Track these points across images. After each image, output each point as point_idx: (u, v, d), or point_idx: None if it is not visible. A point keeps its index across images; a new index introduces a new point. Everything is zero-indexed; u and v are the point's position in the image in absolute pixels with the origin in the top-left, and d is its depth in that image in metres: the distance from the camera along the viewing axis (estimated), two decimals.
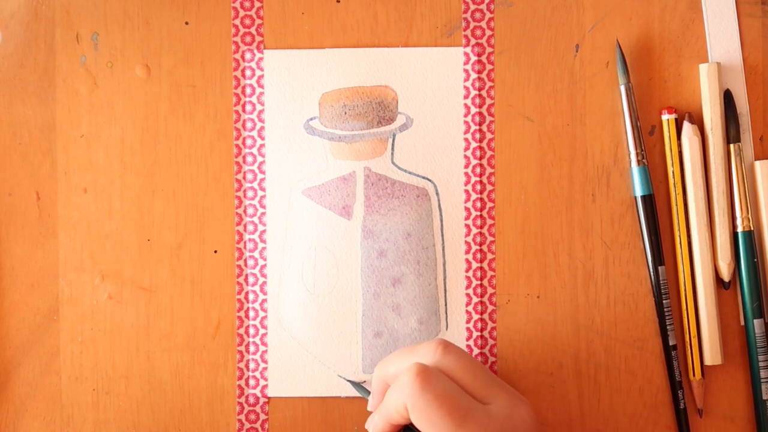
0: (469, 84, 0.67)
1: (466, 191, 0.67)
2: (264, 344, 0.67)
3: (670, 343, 0.65)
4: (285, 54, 0.67)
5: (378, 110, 0.67)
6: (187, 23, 0.67)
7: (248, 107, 0.67)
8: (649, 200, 0.65)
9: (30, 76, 0.67)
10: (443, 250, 0.66)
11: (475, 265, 0.66)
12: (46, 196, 0.67)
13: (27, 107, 0.67)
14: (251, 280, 0.67)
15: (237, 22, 0.67)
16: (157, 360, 0.67)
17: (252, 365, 0.67)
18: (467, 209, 0.67)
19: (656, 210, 0.66)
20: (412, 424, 0.57)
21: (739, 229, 0.65)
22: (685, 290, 0.65)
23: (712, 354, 0.65)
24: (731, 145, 0.66)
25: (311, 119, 0.67)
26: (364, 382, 0.66)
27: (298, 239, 0.67)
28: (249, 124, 0.67)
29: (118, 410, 0.67)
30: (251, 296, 0.67)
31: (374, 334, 0.66)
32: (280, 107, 0.67)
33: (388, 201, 0.67)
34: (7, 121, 0.67)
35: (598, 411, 0.66)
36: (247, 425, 0.66)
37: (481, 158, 0.67)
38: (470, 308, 0.66)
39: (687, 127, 0.65)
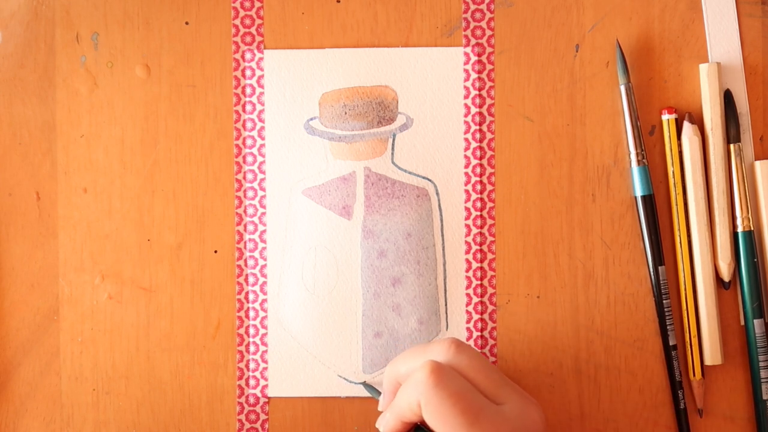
0: (469, 84, 0.67)
1: (466, 191, 0.67)
2: (264, 344, 0.67)
3: (670, 343, 0.65)
4: (285, 54, 0.67)
5: (378, 110, 0.67)
6: (187, 23, 0.67)
7: (248, 107, 0.67)
8: (649, 200, 0.65)
9: (30, 76, 0.67)
10: (443, 250, 0.66)
11: (475, 265, 0.66)
12: (46, 196, 0.67)
13: (27, 107, 0.67)
14: (251, 280, 0.67)
15: (237, 22, 0.67)
16: (157, 360, 0.67)
17: (252, 365, 0.67)
18: (467, 209, 0.67)
19: (656, 210, 0.66)
20: (423, 423, 0.57)
21: (739, 229, 0.65)
22: (685, 290, 0.65)
23: (712, 354, 0.65)
24: (731, 145, 0.66)
25: (311, 119, 0.67)
26: (364, 382, 0.66)
27: (298, 239, 0.67)
28: (249, 124, 0.67)
29: (118, 410, 0.67)
30: (251, 296, 0.67)
31: (374, 334, 0.66)
32: (280, 107, 0.67)
33: (388, 201, 0.67)
34: (7, 121, 0.67)
35: (598, 411, 0.66)
36: (247, 425, 0.66)
37: (481, 158, 0.67)
38: (470, 308, 0.66)
39: (687, 127, 0.65)
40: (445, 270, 0.66)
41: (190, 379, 0.67)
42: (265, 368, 0.67)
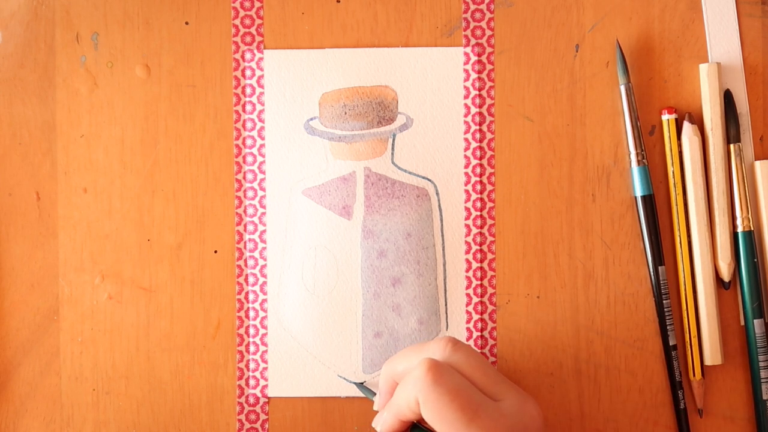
0: (469, 84, 0.67)
1: (466, 191, 0.67)
2: (264, 344, 0.67)
3: (670, 343, 0.65)
4: (285, 54, 0.67)
5: (378, 110, 0.67)
6: (187, 23, 0.67)
7: (248, 107, 0.67)
8: (649, 200, 0.65)
9: (30, 76, 0.67)
10: (443, 250, 0.66)
11: (475, 265, 0.66)
12: (46, 196, 0.67)
13: (27, 107, 0.67)
14: (251, 280, 0.67)
15: (237, 22, 0.67)
16: (157, 360, 0.67)
17: (252, 365, 0.67)
18: (467, 209, 0.67)
19: (656, 210, 0.66)
20: (421, 421, 0.57)
21: (739, 229, 0.65)
22: (685, 290, 0.65)
23: (712, 354, 0.65)
24: (731, 145, 0.66)
25: (311, 119, 0.67)
26: (364, 382, 0.66)
27: (298, 239, 0.67)
28: (249, 124, 0.67)
29: (118, 410, 0.67)
30: (251, 296, 0.67)
31: (374, 334, 0.66)
32: (280, 107, 0.67)
33: (388, 201, 0.67)
34: (7, 121, 0.67)
35: (598, 411, 0.66)
36: (247, 425, 0.66)
37: (481, 158, 0.67)
38: (470, 308, 0.66)
39: (687, 127, 0.65)
40: (445, 270, 0.66)
41: (190, 379, 0.67)
42: (265, 368, 0.67)
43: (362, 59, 0.67)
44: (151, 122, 0.67)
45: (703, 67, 0.66)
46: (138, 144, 0.67)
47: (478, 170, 0.67)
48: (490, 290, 0.66)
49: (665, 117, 0.66)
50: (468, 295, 0.66)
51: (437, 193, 0.67)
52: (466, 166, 0.67)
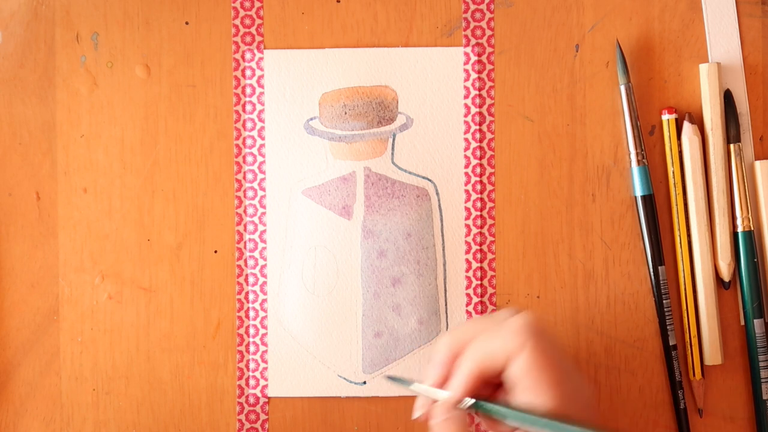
0: (469, 84, 0.67)
1: (466, 191, 0.67)
2: (264, 344, 0.67)
3: (670, 343, 0.65)
4: (285, 54, 0.67)
5: (378, 110, 0.67)
6: (187, 23, 0.67)
7: (248, 107, 0.67)
8: (649, 200, 0.65)
9: (30, 76, 0.67)
10: (443, 250, 0.66)
11: (475, 265, 0.66)
12: (46, 196, 0.67)
13: (27, 107, 0.67)
14: (251, 280, 0.67)
15: (237, 22, 0.67)
16: (157, 360, 0.67)
17: (252, 365, 0.67)
18: (467, 209, 0.67)
19: (656, 210, 0.66)
20: (480, 398, 0.56)
21: (739, 229, 0.65)
22: (685, 290, 0.65)
23: (712, 354, 0.65)
24: (731, 145, 0.66)
25: (311, 119, 0.67)
26: (365, 383, 0.66)
27: (298, 239, 0.67)
28: (249, 124, 0.67)
29: (118, 410, 0.67)
30: (251, 296, 0.67)
31: (374, 334, 0.66)
32: (280, 107, 0.67)
33: (388, 201, 0.67)
34: (7, 121, 0.67)
35: (597, 411, 0.66)
36: (247, 425, 0.66)
37: (481, 158, 0.67)
38: (470, 308, 0.66)
39: (687, 127, 0.65)
40: (445, 270, 0.66)
41: (190, 379, 0.67)
42: (265, 368, 0.67)
43: (362, 59, 0.67)
44: (151, 122, 0.67)
45: (703, 67, 0.66)
46: (138, 144, 0.67)
47: (478, 170, 0.67)
48: (490, 290, 0.66)
49: (665, 117, 0.66)
50: (468, 295, 0.66)
51: (437, 193, 0.67)
52: (466, 166, 0.67)
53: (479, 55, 0.67)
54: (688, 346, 0.65)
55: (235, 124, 0.67)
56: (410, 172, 0.67)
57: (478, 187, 0.67)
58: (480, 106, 0.67)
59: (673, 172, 0.66)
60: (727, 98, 0.66)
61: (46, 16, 0.67)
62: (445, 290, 0.66)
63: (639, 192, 0.65)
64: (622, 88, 0.65)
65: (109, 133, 0.67)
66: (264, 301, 0.67)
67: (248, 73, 0.67)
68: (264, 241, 0.67)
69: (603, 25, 0.67)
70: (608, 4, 0.66)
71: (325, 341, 0.66)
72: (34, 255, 0.67)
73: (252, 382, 0.67)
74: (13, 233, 0.67)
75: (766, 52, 0.66)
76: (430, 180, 0.67)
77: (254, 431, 0.66)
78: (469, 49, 0.67)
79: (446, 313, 0.66)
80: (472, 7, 0.67)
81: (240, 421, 0.66)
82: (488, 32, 0.67)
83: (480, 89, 0.67)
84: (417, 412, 0.58)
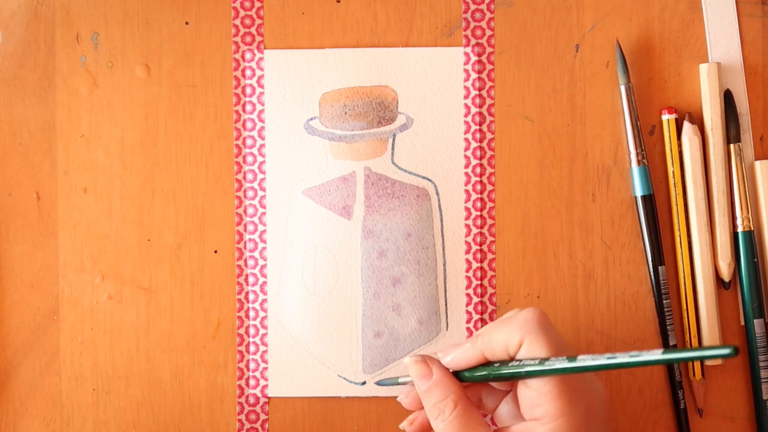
0: (469, 84, 0.67)
1: (466, 191, 0.67)
2: (264, 344, 0.67)
3: (670, 343, 0.65)
4: (285, 54, 0.67)
5: (378, 110, 0.67)
6: (187, 23, 0.67)
7: (248, 107, 0.67)
8: (649, 200, 0.65)
9: (30, 76, 0.67)
10: (443, 250, 0.66)
11: (475, 265, 0.66)
12: (46, 196, 0.67)
13: (27, 107, 0.67)
14: (251, 280, 0.67)
15: (237, 22, 0.67)
16: (157, 360, 0.67)
17: (252, 365, 0.67)
18: (467, 209, 0.67)
19: (656, 210, 0.66)
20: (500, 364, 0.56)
21: (739, 229, 0.65)
22: (685, 290, 0.65)
23: None
24: (731, 145, 0.66)
25: (311, 119, 0.67)
26: (365, 383, 0.66)
27: (298, 239, 0.67)
28: (249, 124, 0.67)
29: (118, 410, 0.67)
30: (251, 296, 0.67)
31: (374, 334, 0.66)
32: (280, 107, 0.67)
33: (388, 201, 0.67)
34: (7, 121, 0.67)
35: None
36: (247, 425, 0.66)
37: (481, 158, 0.67)
38: (470, 308, 0.66)
39: (687, 127, 0.66)
40: (445, 270, 0.66)
41: (190, 379, 0.67)
42: (265, 368, 0.67)
43: (362, 59, 0.67)
44: (151, 122, 0.67)
45: (703, 67, 0.66)
46: (138, 144, 0.67)
47: (478, 170, 0.67)
48: (490, 290, 0.66)
49: (665, 117, 0.66)
50: (468, 295, 0.66)
51: (437, 193, 0.67)
52: (466, 166, 0.67)
53: (479, 55, 0.67)
54: (688, 346, 0.65)
55: (235, 124, 0.67)
56: (410, 172, 0.67)
57: (478, 187, 0.67)
58: (480, 106, 0.67)
59: (673, 172, 0.66)
60: (727, 98, 0.66)
61: (46, 16, 0.67)
62: (445, 290, 0.66)
63: (639, 192, 0.65)
64: (622, 88, 0.65)
65: (109, 133, 0.67)
66: (264, 301, 0.67)
67: (248, 73, 0.67)
68: (264, 241, 0.67)
69: (603, 25, 0.67)
70: (608, 4, 0.66)
71: (325, 341, 0.66)
72: (34, 255, 0.67)
73: (252, 382, 0.67)
74: (13, 233, 0.67)
75: (766, 52, 0.66)
76: (430, 180, 0.67)
77: (254, 431, 0.66)
78: (469, 49, 0.67)
79: (446, 313, 0.66)
80: (472, 7, 0.67)
81: (240, 421, 0.66)
82: (488, 32, 0.67)
83: (480, 89, 0.67)
84: (401, 397, 0.60)
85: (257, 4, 0.67)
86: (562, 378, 0.54)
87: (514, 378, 0.55)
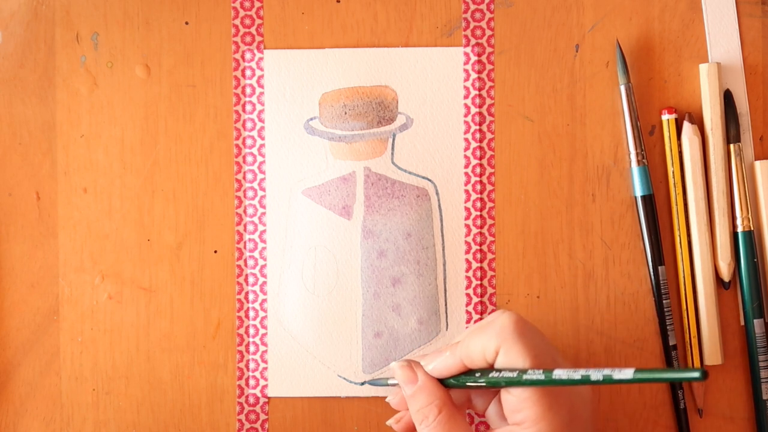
0: (469, 84, 0.67)
1: (466, 191, 0.67)
2: (264, 344, 0.67)
3: (670, 343, 0.65)
4: (285, 54, 0.67)
5: (378, 110, 0.67)
6: (187, 23, 0.67)
7: (248, 107, 0.67)
8: (649, 200, 0.65)
9: (30, 76, 0.67)
10: (443, 250, 0.66)
11: (475, 265, 0.66)
12: (46, 196, 0.67)
13: (27, 107, 0.67)
14: (251, 280, 0.67)
15: (237, 22, 0.67)
16: (157, 360, 0.67)
17: (252, 365, 0.67)
18: (467, 209, 0.67)
19: (656, 210, 0.66)
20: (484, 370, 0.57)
21: (739, 229, 0.65)
22: (685, 290, 0.65)
23: (712, 354, 0.65)
24: (731, 145, 0.66)
25: (311, 119, 0.67)
26: (365, 383, 0.66)
27: (298, 239, 0.67)
28: (249, 124, 0.67)
29: (118, 410, 0.67)
30: (251, 296, 0.67)
31: (374, 334, 0.66)
32: (280, 107, 0.67)
33: (388, 201, 0.67)
34: (7, 121, 0.67)
35: (598, 411, 0.66)
36: (247, 425, 0.66)
37: (481, 158, 0.67)
38: (470, 308, 0.66)
39: (687, 127, 0.66)
40: (445, 270, 0.66)
41: (190, 379, 0.67)
42: (265, 368, 0.67)
43: (362, 59, 0.67)
44: (151, 122, 0.67)
45: (703, 67, 0.66)
46: (138, 144, 0.67)
47: (478, 170, 0.67)
48: (490, 290, 0.66)
49: (665, 117, 0.66)
50: (468, 295, 0.66)
51: (437, 193, 0.67)
52: (466, 166, 0.67)
53: (479, 55, 0.67)
54: (688, 346, 0.65)
55: (235, 124, 0.67)
56: (410, 172, 0.67)
57: (478, 187, 0.67)
58: (480, 106, 0.67)
59: (673, 172, 0.66)
60: (727, 98, 0.66)
61: (46, 16, 0.67)
62: (445, 290, 0.66)
63: (639, 192, 0.65)
64: (622, 88, 0.65)
65: (109, 133, 0.67)
66: (264, 301, 0.67)
67: (248, 73, 0.67)
68: (264, 241, 0.67)
69: (603, 25, 0.67)
70: (608, 4, 0.66)
71: (325, 341, 0.66)
72: (34, 255, 0.67)
73: (252, 382, 0.67)
74: (13, 233, 0.67)
75: (766, 52, 0.66)
76: (430, 180, 0.67)
77: (254, 431, 0.66)
78: (469, 49, 0.67)
79: (446, 313, 0.66)
80: (472, 7, 0.67)
81: (240, 421, 0.66)
82: (488, 32, 0.67)
83: (480, 89, 0.67)
84: (390, 397, 0.61)
85: (257, 4, 0.67)
86: None
87: (493, 387, 0.55)
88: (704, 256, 0.65)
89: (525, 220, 0.66)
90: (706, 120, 0.66)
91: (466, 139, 0.67)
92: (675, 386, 0.65)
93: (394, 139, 0.67)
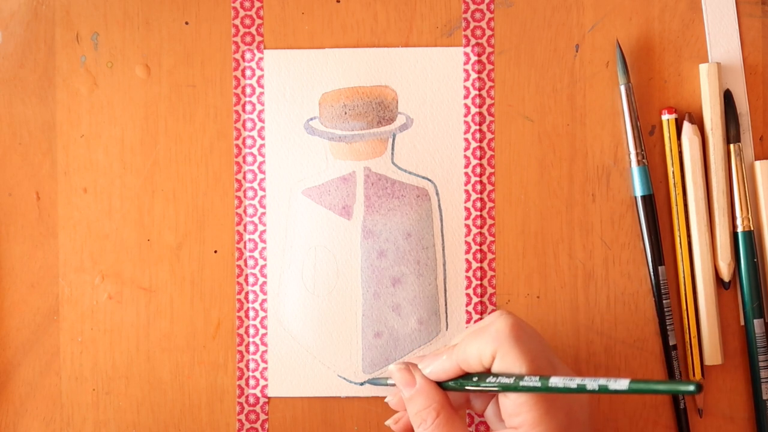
0: (469, 84, 0.67)
1: (466, 191, 0.67)
2: (264, 344, 0.67)
3: (670, 343, 0.65)
4: (285, 54, 0.67)
5: (378, 110, 0.67)
6: (187, 23, 0.67)
7: (248, 107, 0.67)
8: (649, 200, 0.65)
9: (30, 76, 0.67)
10: (443, 250, 0.66)
11: (475, 265, 0.66)
12: (46, 196, 0.67)
13: (27, 107, 0.67)
14: (251, 280, 0.67)
15: (237, 22, 0.67)
16: (157, 360, 0.67)
17: (252, 365, 0.67)
18: (467, 209, 0.67)
19: (656, 210, 0.66)
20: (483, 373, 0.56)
21: (739, 229, 0.65)
22: (685, 290, 0.65)
23: (712, 354, 0.65)
24: (731, 145, 0.66)
25: (311, 119, 0.67)
26: (365, 383, 0.66)
27: (298, 239, 0.67)
28: (249, 124, 0.67)
29: (118, 410, 0.67)
30: (251, 296, 0.67)
31: (374, 334, 0.66)
32: (280, 107, 0.67)
33: (388, 201, 0.67)
34: (7, 121, 0.67)
35: (598, 411, 0.66)
36: (247, 425, 0.66)
37: (481, 158, 0.67)
38: (470, 308, 0.66)
39: (687, 127, 0.66)
40: (445, 270, 0.66)
41: (190, 379, 0.67)
42: (265, 368, 0.67)
43: (362, 59, 0.67)
44: (151, 122, 0.67)
45: (703, 67, 0.66)
46: (138, 144, 0.67)
47: (478, 170, 0.67)
48: (490, 290, 0.66)
49: (665, 117, 0.66)
50: (468, 295, 0.66)
51: (437, 193, 0.67)
52: (466, 166, 0.67)
53: (479, 55, 0.67)
54: (688, 346, 0.65)
55: (235, 124, 0.67)
56: (410, 172, 0.67)
57: (478, 187, 0.67)
58: (480, 106, 0.67)
59: (673, 172, 0.66)
60: (727, 98, 0.66)
61: (46, 16, 0.67)
62: (445, 290, 0.66)
63: (639, 192, 0.65)
64: (622, 88, 0.65)
65: (109, 133, 0.67)
66: (264, 301, 0.67)
67: (248, 73, 0.67)
68: (264, 241, 0.67)
69: (603, 25, 0.67)
70: (608, 4, 0.66)
71: (325, 341, 0.66)
72: (34, 255, 0.67)
73: (252, 382, 0.67)
74: (13, 233, 0.67)
75: (766, 52, 0.66)
76: (430, 180, 0.67)
77: (254, 431, 0.67)
78: (469, 49, 0.67)
79: (446, 313, 0.66)
80: (472, 7, 0.67)
81: (240, 421, 0.66)
82: (488, 32, 0.67)
83: (480, 89, 0.67)
84: (389, 398, 0.60)
85: (257, 4, 0.67)
86: None
87: (490, 392, 0.55)
88: (704, 256, 0.65)
89: (525, 220, 0.66)
90: (706, 120, 0.66)
91: (466, 139, 0.67)
92: None
93: (394, 139, 0.67)
